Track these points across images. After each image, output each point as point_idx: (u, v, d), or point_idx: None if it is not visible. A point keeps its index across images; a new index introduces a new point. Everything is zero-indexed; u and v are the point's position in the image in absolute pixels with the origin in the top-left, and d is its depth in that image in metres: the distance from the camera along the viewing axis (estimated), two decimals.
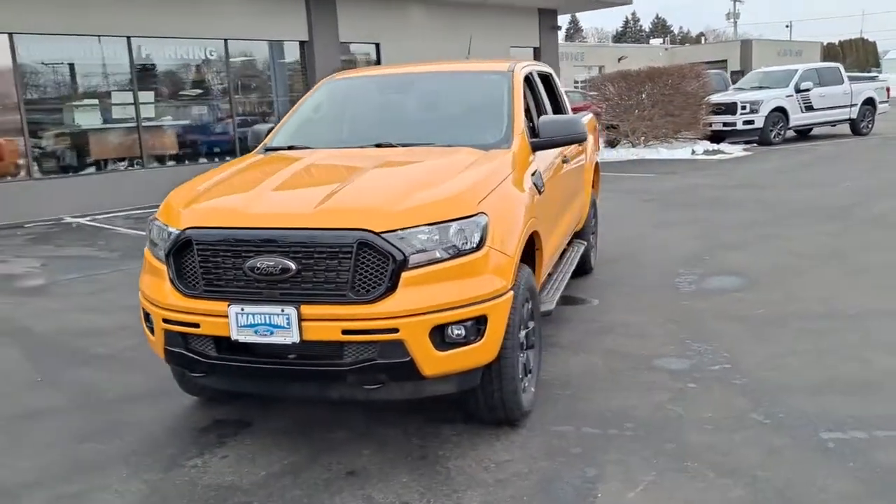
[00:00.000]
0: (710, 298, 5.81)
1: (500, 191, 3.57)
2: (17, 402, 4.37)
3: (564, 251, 5.67)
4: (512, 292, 3.39)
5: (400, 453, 3.49)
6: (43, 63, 12.22)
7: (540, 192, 4.12)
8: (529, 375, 3.89)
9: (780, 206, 9.80)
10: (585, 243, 6.12)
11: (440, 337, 3.18)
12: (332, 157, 4.18)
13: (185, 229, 3.33)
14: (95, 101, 12.78)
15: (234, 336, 3.18)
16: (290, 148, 4.45)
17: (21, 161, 11.96)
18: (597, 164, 6.71)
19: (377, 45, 16.31)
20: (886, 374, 4.18)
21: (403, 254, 3.09)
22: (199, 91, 14.21)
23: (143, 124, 13.14)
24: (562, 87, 6.04)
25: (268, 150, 4.54)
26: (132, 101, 12.94)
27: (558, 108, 5.93)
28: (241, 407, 4.08)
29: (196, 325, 3.28)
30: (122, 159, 13.15)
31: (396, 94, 4.80)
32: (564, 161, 4.93)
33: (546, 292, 4.72)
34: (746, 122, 18.59)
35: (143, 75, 13.19)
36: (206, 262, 3.26)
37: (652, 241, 8.05)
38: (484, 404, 3.58)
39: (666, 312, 5.50)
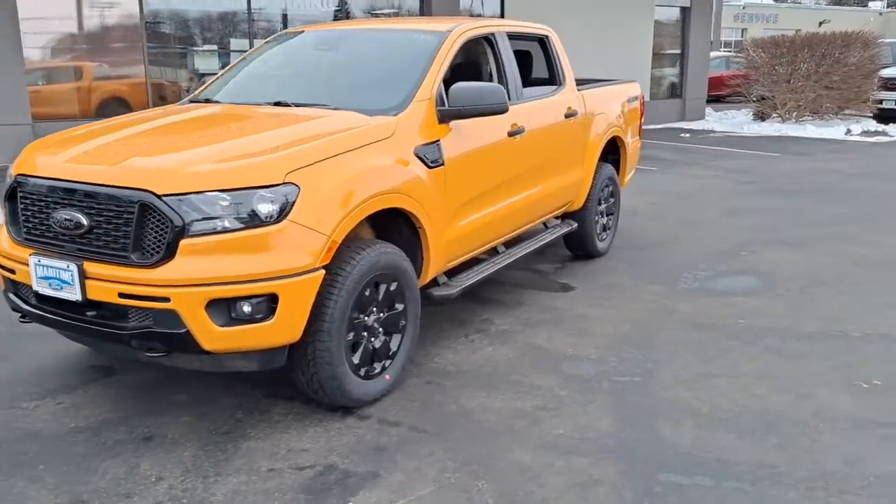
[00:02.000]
0: (698, 300, 5.13)
1: (336, 161, 3.28)
2: None
3: (531, 233, 5.22)
4: (321, 272, 3.13)
5: (211, 426, 3.38)
6: (166, 10, 12.97)
7: (430, 167, 3.77)
8: (388, 361, 3.64)
9: (893, 204, 8.49)
10: (574, 224, 5.58)
11: (227, 311, 3.01)
12: (216, 112, 4.05)
13: (16, 175, 3.37)
14: (214, 48, 13.45)
15: (35, 287, 3.19)
16: (206, 101, 4.39)
17: (143, 101, 12.85)
18: (617, 137, 6.07)
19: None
20: (814, 415, 3.48)
21: (182, 219, 2.93)
22: None
23: None
24: (562, 51, 5.48)
25: (191, 101, 4.50)
26: (248, 50, 13.47)
27: (553, 75, 5.41)
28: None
29: (13, 272, 3.34)
30: None
31: (324, 52, 4.55)
32: (513, 134, 4.47)
33: (465, 275, 4.38)
34: None
35: (259, 24, 13.66)
36: (26, 209, 3.29)
37: (706, 229, 7.25)
38: (306, 387, 3.38)
39: (636, 310, 4.93)
